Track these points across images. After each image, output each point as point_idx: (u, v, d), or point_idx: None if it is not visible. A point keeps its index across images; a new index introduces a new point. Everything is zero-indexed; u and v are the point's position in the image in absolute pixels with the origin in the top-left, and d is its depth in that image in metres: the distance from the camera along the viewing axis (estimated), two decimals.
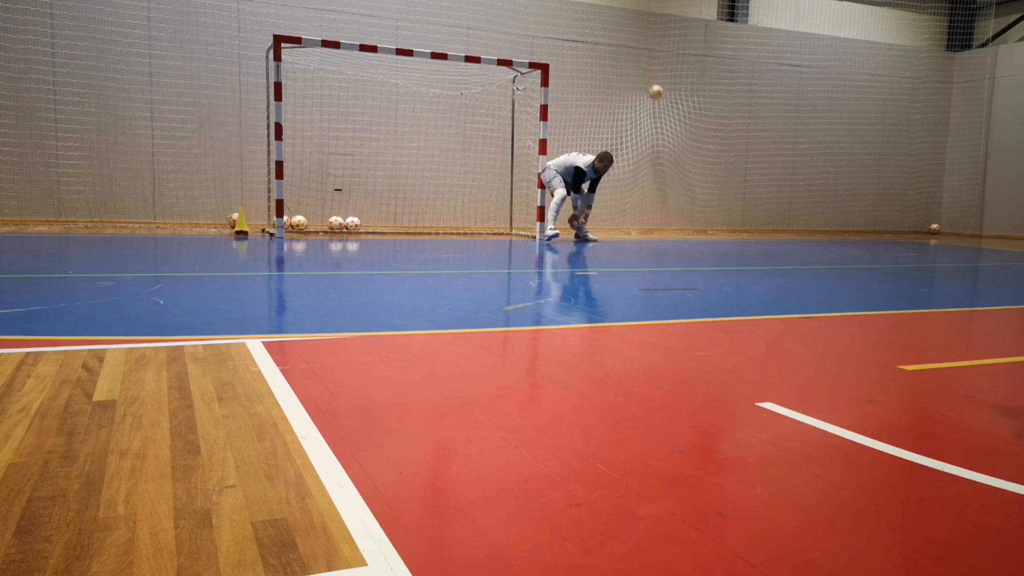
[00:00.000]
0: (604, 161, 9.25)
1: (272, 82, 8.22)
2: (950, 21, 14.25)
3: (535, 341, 3.13)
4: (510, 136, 10.31)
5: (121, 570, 1.16)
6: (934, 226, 14.13)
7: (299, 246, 7.48)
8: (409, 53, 8.68)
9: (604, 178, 10.57)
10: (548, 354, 2.89)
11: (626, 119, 11.75)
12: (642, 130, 11.91)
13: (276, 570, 1.18)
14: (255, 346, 2.76)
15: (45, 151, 8.89)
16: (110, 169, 9.15)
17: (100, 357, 2.52)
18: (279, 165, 8.20)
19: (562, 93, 10.89)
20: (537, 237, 9.39)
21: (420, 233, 9.91)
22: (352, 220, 9.56)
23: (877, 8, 13.59)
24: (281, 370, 2.42)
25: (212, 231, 9.05)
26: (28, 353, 2.55)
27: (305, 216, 9.68)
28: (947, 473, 1.70)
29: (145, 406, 2.00)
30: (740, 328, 3.54)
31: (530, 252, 7.62)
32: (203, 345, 2.76)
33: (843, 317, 3.97)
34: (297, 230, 9.30)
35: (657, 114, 11.95)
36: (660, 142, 12.04)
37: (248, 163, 9.68)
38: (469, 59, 9.06)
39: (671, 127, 12.07)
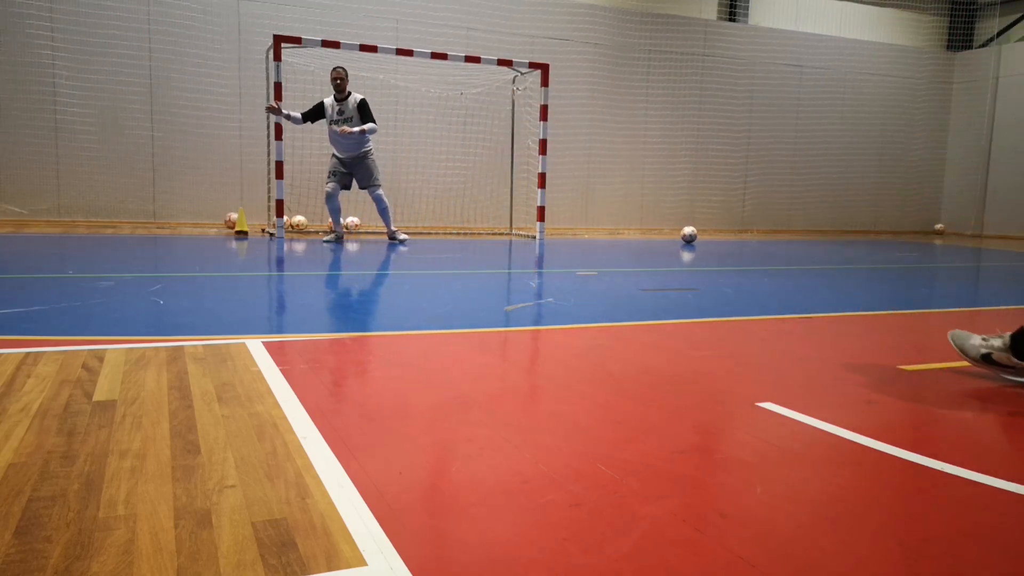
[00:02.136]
0: (332, 75, 8.07)
1: (272, 82, 8.22)
2: (951, 21, 14.24)
3: (535, 341, 3.12)
4: (510, 136, 10.31)
5: (121, 570, 1.16)
6: (939, 226, 14.11)
7: (299, 246, 7.48)
8: (409, 53, 8.68)
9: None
10: (548, 354, 2.89)
11: (626, 119, 11.75)
12: (642, 130, 11.91)
13: (276, 570, 1.18)
14: (255, 346, 2.76)
15: (45, 151, 8.89)
16: (110, 169, 9.15)
17: (100, 357, 2.52)
18: (279, 165, 8.20)
19: (562, 93, 10.88)
20: (537, 237, 9.38)
21: (420, 233, 9.90)
22: (352, 220, 9.55)
23: (878, 8, 13.59)
24: (281, 370, 2.42)
25: (212, 231, 9.05)
26: (28, 353, 2.55)
27: (305, 216, 9.68)
28: (947, 473, 1.70)
29: (145, 406, 2.00)
30: (740, 328, 3.54)
31: (530, 252, 7.62)
32: (203, 345, 2.76)
33: (843, 317, 3.97)
34: (297, 230, 9.30)
35: (657, 114, 11.95)
36: (660, 142, 12.04)
37: (248, 163, 9.68)
38: (469, 59, 9.06)
39: (671, 127, 12.07)
